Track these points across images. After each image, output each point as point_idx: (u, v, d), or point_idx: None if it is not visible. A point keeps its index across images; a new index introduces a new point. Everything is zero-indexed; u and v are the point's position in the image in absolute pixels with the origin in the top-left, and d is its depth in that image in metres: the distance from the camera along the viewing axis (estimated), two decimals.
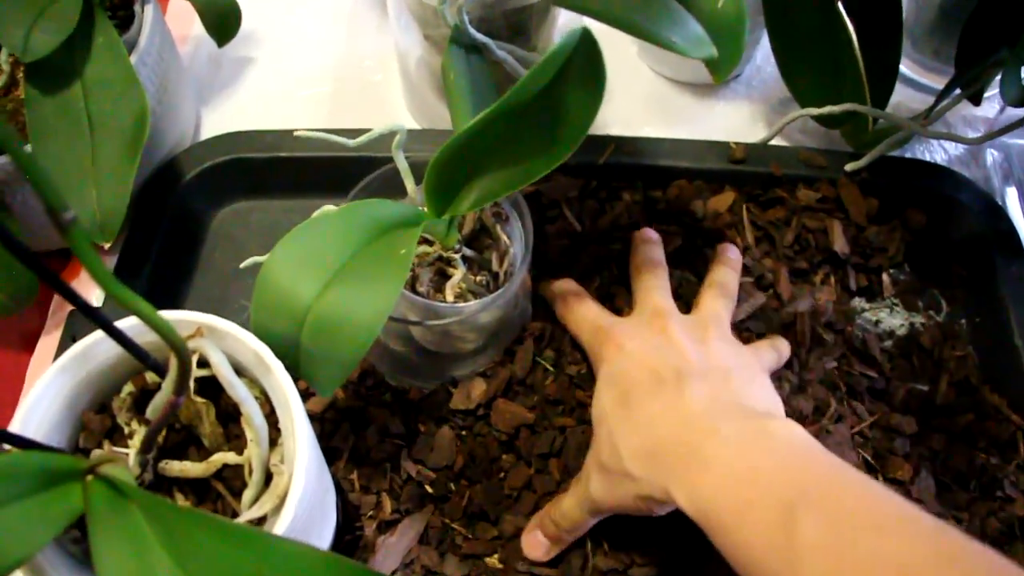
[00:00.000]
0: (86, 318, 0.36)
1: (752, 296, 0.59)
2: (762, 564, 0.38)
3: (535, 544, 0.51)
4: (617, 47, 0.77)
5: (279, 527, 0.38)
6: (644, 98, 0.75)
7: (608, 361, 0.51)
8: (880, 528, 0.36)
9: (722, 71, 0.44)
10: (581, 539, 0.51)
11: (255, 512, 0.40)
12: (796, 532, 0.36)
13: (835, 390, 0.57)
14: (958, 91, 0.61)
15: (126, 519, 0.34)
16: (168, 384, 0.39)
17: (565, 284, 0.57)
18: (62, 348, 0.57)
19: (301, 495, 0.38)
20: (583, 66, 0.40)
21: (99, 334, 0.41)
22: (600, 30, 0.41)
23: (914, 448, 0.56)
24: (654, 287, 0.55)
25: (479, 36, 0.53)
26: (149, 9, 0.60)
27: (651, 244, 0.59)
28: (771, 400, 0.49)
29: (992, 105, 0.73)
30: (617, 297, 0.59)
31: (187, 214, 0.64)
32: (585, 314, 0.55)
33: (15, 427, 0.39)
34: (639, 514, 0.46)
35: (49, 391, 0.41)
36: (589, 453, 0.50)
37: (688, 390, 0.45)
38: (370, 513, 0.52)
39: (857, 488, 0.38)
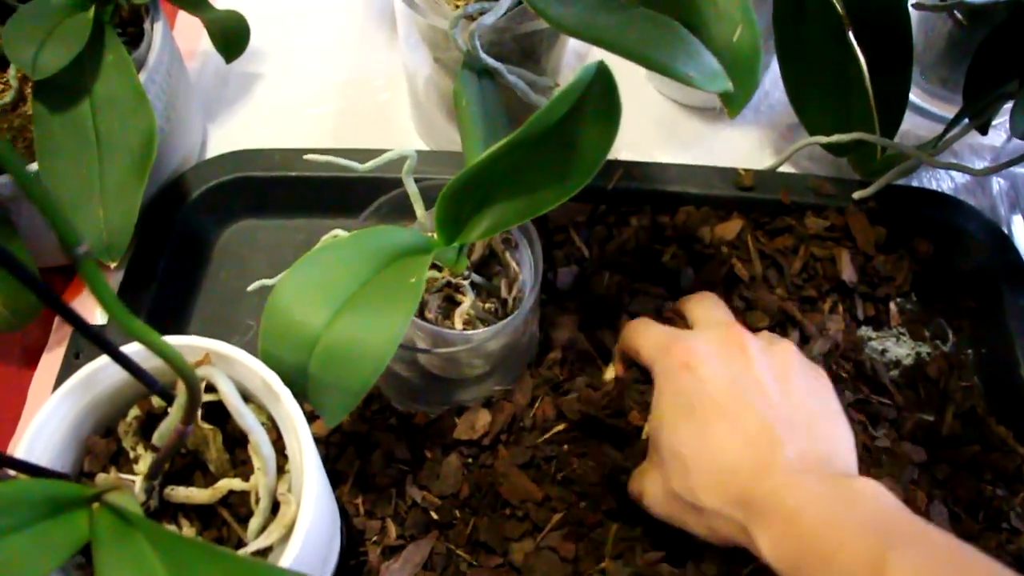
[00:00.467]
0: (92, 343, 0.36)
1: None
2: None
3: None
4: (625, 70, 0.76)
5: (286, 558, 0.37)
6: (652, 122, 0.75)
7: (676, 383, 0.47)
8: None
9: (737, 105, 0.44)
10: (599, 553, 0.51)
11: (262, 542, 0.39)
12: (886, 573, 0.36)
13: (854, 421, 0.56)
14: (966, 121, 0.61)
15: (132, 548, 0.34)
16: (176, 412, 0.39)
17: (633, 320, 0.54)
18: (66, 364, 0.56)
19: (309, 526, 0.38)
20: (598, 100, 0.40)
21: (105, 359, 0.41)
22: (609, 53, 0.41)
23: (922, 477, 0.55)
24: (714, 304, 0.53)
25: (490, 61, 0.53)
26: (159, 26, 0.60)
27: (701, 298, 0.56)
28: (849, 442, 0.46)
29: (999, 134, 0.73)
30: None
31: (193, 232, 0.64)
32: (650, 330, 0.51)
33: (20, 452, 0.39)
34: (695, 535, 0.46)
35: (54, 416, 0.41)
36: (652, 465, 0.48)
37: (775, 443, 0.43)
38: (374, 538, 0.52)
39: (944, 541, 0.38)
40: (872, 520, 0.39)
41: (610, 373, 0.56)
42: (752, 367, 0.46)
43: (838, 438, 0.45)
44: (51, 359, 0.61)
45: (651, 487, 0.47)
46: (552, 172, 0.43)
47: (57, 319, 0.63)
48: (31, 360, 0.61)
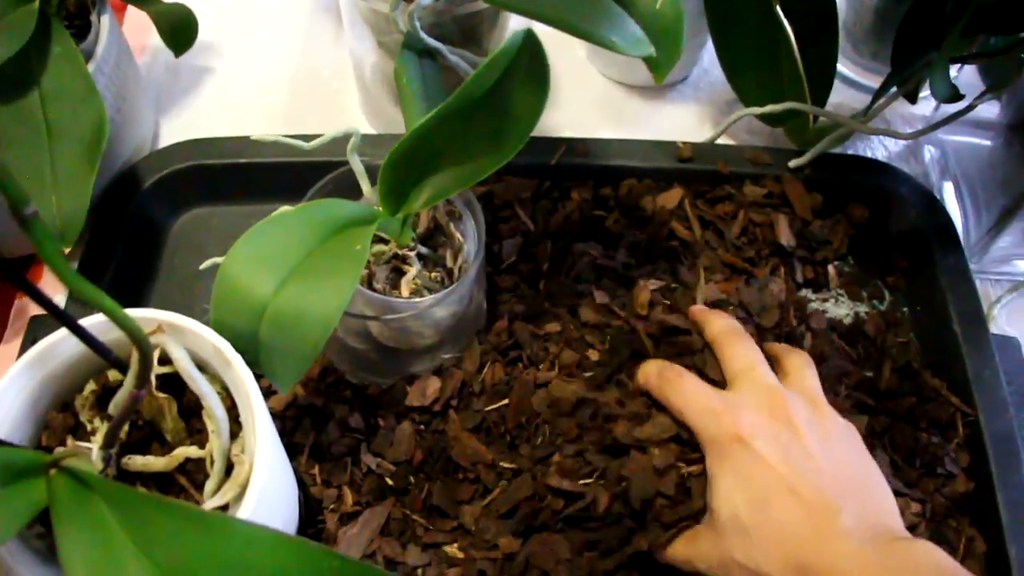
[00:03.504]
0: (49, 315, 0.37)
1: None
2: None
3: None
4: (566, 52, 0.79)
5: (241, 514, 0.39)
6: (594, 102, 0.77)
7: (732, 457, 0.48)
8: None
9: (662, 70, 0.46)
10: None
11: (217, 500, 0.41)
12: None
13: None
14: (894, 89, 0.64)
15: (90, 509, 0.35)
16: (130, 378, 0.40)
17: (657, 363, 0.54)
18: (23, 354, 0.57)
19: (263, 483, 0.40)
20: (528, 65, 0.42)
21: (61, 333, 0.42)
22: (549, 36, 0.43)
23: (865, 428, 0.58)
24: (755, 360, 0.52)
25: (431, 41, 0.55)
26: (105, 19, 0.61)
27: (719, 313, 0.57)
28: (892, 499, 0.49)
29: (929, 103, 0.76)
30: (580, 305, 0.60)
31: (147, 220, 0.65)
32: (690, 391, 0.51)
33: None
34: None
35: (10, 390, 0.42)
36: (710, 532, 0.48)
37: (833, 511, 0.45)
38: (331, 506, 0.53)
39: None
40: None
41: None
42: (802, 438, 0.48)
43: (883, 498, 0.48)
44: (8, 350, 0.62)
45: (708, 553, 0.48)
46: (488, 139, 0.45)
47: (13, 311, 0.63)
48: None
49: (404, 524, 0.53)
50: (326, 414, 0.55)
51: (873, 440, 0.57)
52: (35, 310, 0.62)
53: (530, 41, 0.41)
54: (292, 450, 0.55)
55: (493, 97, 0.43)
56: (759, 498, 0.46)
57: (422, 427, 0.56)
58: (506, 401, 0.56)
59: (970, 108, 0.61)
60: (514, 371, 0.57)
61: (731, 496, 0.47)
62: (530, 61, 0.42)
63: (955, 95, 0.58)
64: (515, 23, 0.65)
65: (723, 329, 0.54)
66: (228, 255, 0.43)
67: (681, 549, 0.50)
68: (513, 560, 0.52)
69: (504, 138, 0.44)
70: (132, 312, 0.43)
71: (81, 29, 0.61)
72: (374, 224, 0.46)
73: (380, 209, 0.48)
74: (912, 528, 0.53)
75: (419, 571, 0.52)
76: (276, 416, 0.55)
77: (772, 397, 0.50)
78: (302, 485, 0.53)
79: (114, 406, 0.42)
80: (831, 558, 0.44)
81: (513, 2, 0.43)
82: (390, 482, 0.54)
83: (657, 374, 0.53)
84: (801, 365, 0.54)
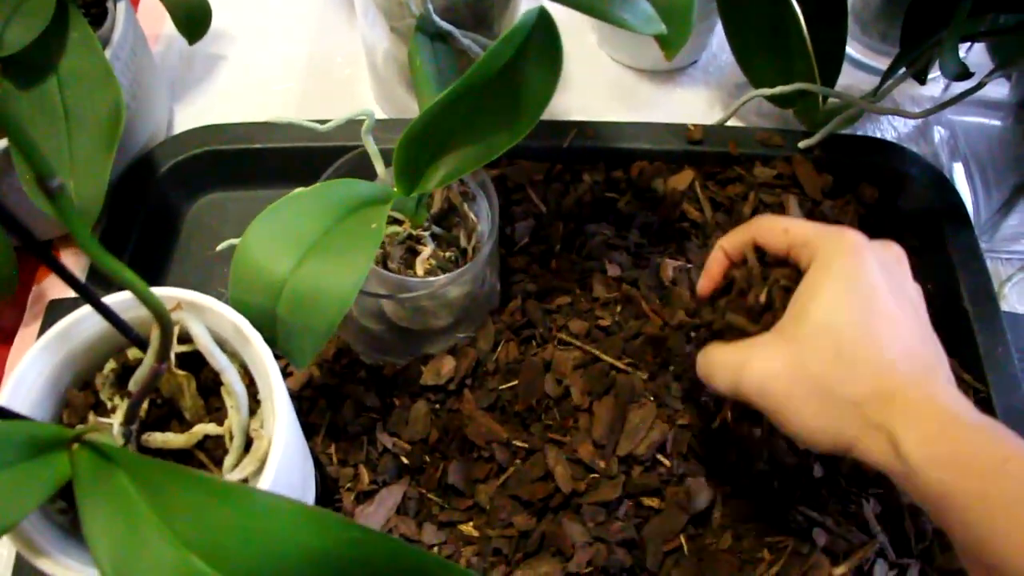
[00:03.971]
0: (74, 291, 0.38)
1: None
2: None
3: None
4: (577, 37, 0.79)
5: (261, 487, 0.39)
6: (605, 86, 0.77)
7: (849, 260, 0.44)
8: None
9: (673, 47, 0.46)
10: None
11: (237, 475, 0.41)
12: None
13: None
14: (904, 70, 0.64)
15: (112, 482, 0.35)
16: (151, 353, 0.40)
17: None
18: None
19: (281, 456, 0.40)
20: (541, 43, 0.42)
21: (82, 311, 0.43)
22: (562, 21, 0.43)
23: None
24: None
25: (443, 24, 0.55)
26: (121, 7, 0.62)
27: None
28: None
29: (938, 84, 0.76)
30: (590, 277, 0.61)
31: (163, 206, 0.66)
32: (800, 221, 0.47)
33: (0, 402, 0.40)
34: (782, 428, 0.43)
35: (32, 369, 0.42)
36: (780, 340, 0.44)
37: (935, 359, 0.44)
38: (348, 485, 0.54)
39: None
40: None
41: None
42: (909, 279, 0.46)
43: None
44: (27, 334, 0.63)
45: (769, 362, 0.43)
46: (501, 117, 0.45)
47: (32, 295, 0.64)
48: (7, 338, 0.63)
49: (420, 503, 0.54)
50: (342, 395, 0.56)
51: None
52: (54, 294, 0.63)
53: (543, 18, 0.42)
54: (309, 430, 0.55)
55: (507, 75, 0.43)
56: (866, 313, 0.42)
57: (437, 406, 0.56)
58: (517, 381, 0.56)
59: (979, 87, 0.61)
60: (528, 350, 0.58)
61: (835, 300, 0.43)
62: (543, 38, 0.42)
63: (965, 73, 0.59)
64: (526, 5, 0.65)
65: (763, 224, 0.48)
66: (246, 234, 0.44)
67: (733, 354, 0.45)
68: (528, 538, 0.52)
69: (518, 116, 0.45)
70: (153, 290, 0.44)
71: (97, 17, 0.62)
72: (389, 203, 0.47)
73: (395, 189, 0.48)
74: None
75: (435, 549, 0.52)
76: (293, 397, 0.56)
77: (884, 241, 0.47)
78: (319, 465, 0.54)
79: (134, 383, 0.43)
80: (926, 393, 0.40)
81: None
82: (406, 461, 0.54)
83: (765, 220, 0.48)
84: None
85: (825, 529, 0.52)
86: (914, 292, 0.46)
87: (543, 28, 0.42)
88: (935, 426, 0.39)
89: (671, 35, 0.45)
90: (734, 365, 0.45)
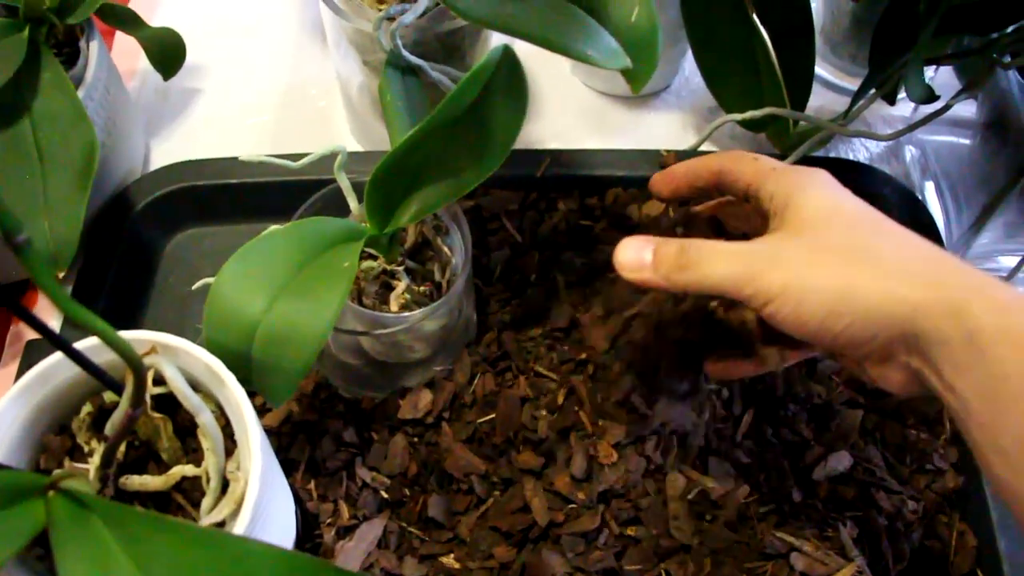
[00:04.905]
0: (45, 339, 0.38)
1: None
2: None
3: (629, 246, 0.46)
4: (550, 65, 0.80)
5: (237, 530, 0.39)
6: (578, 113, 0.78)
7: (832, 187, 0.42)
8: None
9: (639, 81, 0.47)
10: None
11: (214, 517, 0.41)
12: None
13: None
14: (873, 91, 0.65)
15: (88, 529, 0.35)
16: (126, 398, 0.40)
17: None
18: (20, 378, 0.58)
19: (258, 498, 0.40)
20: (506, 80, 0.43)
21: (56, 356, 0.43)
22: (534, 50, 0.44)
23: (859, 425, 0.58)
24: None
25: (413, 59, 0.56)
26: (94, 45, 0.62)
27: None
28: None
29: (908, 104, 0.77)
30: (573, 304, 0.61)
31: (140, 242, 0.66)
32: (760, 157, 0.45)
33: None
34: (804, 336, 0.40)
35: (8, 414, 0.42)
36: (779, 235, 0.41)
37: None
38: (328, 521, 0.54)
39: None
40: None
41: None
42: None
43: None
44: (4, 375, 0.62)
45: (788, 250, 0.40)
46: (471, 153, 0.46)
47: (9, 336, 0.64)
48: None
49: (401, 536, 0.54)
50: (320, 429, 0.56)
51: (865, 437, 0.58)
52: (31, 334, 0.63)
53: (507, 56, 0.42)
54: (288, 466, 0.55)
55: (474, 112, 0.44)
56: (879, 228, 0.40)
57: (415, 440, 0.56)
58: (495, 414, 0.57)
59: (947, 108, 0.62)
60: (503, 381, 0.58)
61: (837, 194, 0.41)
62: (508, 75, 0.43)
63: (930, 96, 0.59)
64: (497, 38, 0.66)
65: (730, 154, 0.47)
66: (219, 275, 0.44)
67: (770, 272, 0.40)
68: (508, 569, 0.52)
69: (487, 152, 0.45)
70: (125, 334, 0.44)
71: (71, 56, 0.62)
72: (362, 240, 0.47)
73: (367, 226, 0.49)
74: (909, 526, 0.54)
75: None
76: (271, 432, 0.56)
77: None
78: (298, 500, 0.54)
79: (110, 427, 0.43)
80: (989, 278, 0.36)
81: (490, 20, 0.44)
82: (385, 495, 0.55)
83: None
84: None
85: (803, 554, 0.52)
86: None
87: (507, 65, 0.42)
88: (1009, 294, 0.35)
89: (637, 69, 0.46)
90: (776, 290, 0.40)
